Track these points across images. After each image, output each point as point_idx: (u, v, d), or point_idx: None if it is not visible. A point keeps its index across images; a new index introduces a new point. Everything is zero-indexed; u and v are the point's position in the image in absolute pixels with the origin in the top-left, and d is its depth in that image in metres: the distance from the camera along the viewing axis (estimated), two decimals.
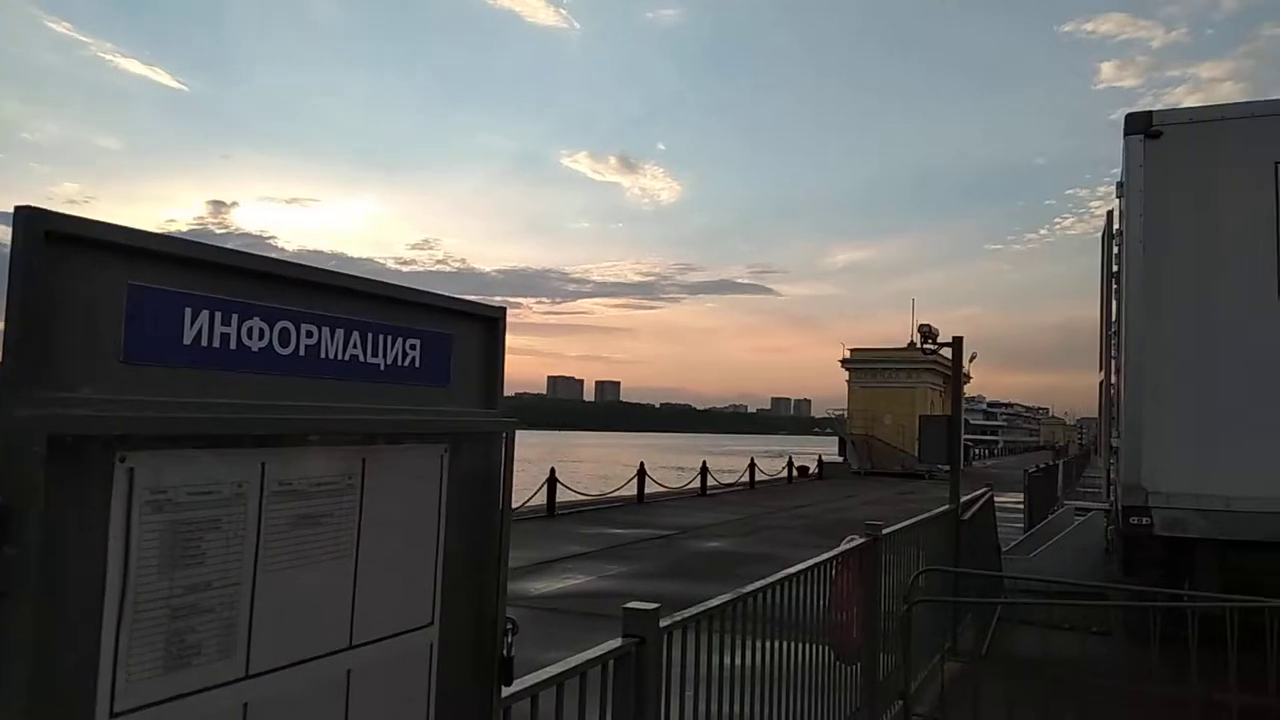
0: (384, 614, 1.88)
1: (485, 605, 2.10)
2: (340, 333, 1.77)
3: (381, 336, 1.87)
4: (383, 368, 1.88)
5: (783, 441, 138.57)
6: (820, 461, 41.18)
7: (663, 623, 3.02)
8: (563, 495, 20.51)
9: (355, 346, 1.81)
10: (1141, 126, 7.10)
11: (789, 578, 4.34)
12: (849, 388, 49.78)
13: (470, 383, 2.10)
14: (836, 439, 50.27)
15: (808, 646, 4.58)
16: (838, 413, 51.64)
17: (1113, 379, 7.90)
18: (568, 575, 12.04)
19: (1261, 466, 6.72)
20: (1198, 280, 6.99)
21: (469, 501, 2.06)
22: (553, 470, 19.88)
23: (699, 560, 13.73)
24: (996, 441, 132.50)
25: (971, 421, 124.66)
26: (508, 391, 2.27)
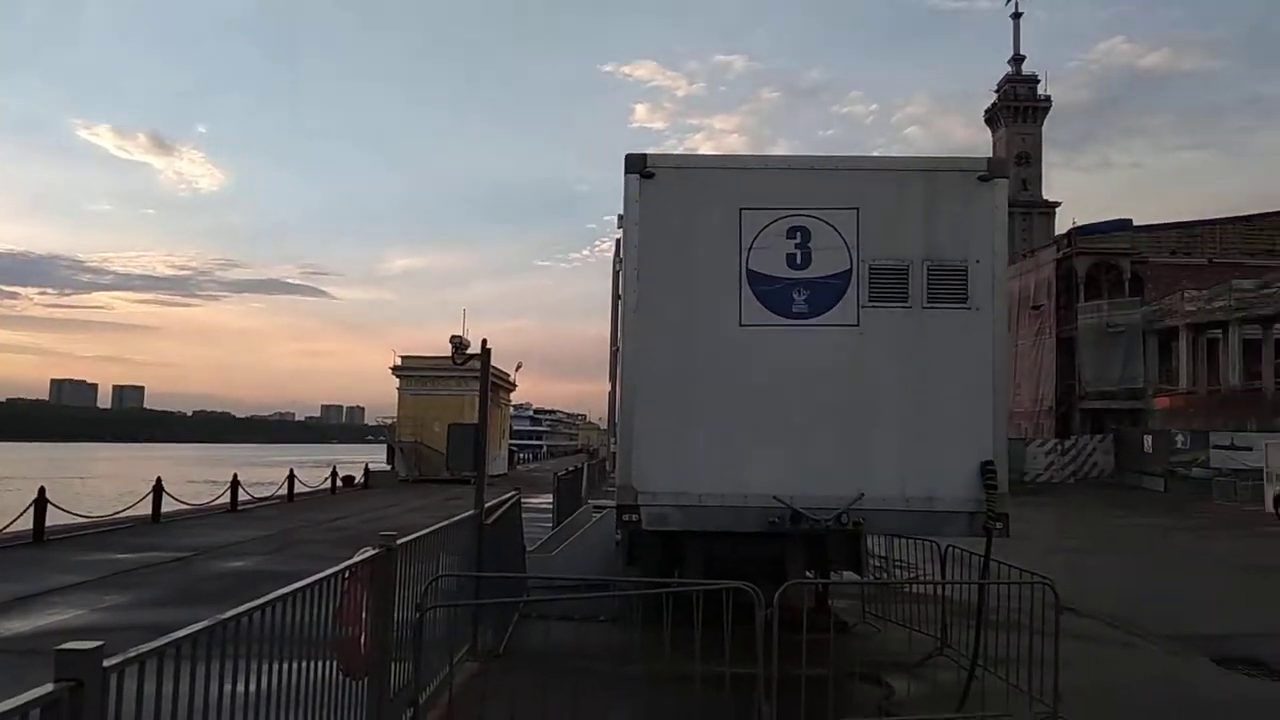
0: None
1: None
2: None
3: None
4: None
5: (334, 450, 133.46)
6: (366, 470, 40.39)
7: (110, 660, 2.71)
8: (58, 518, 17.78)
9: None
10: (638, 167, 8.00)
11: (285, 596, 4.17)
12: (399, 395, 49.55)
13: None
14: (386, 447, 49.78)
15: (310, 666, 4.43)
16: (388, 420, 51.14)
17: (616, 390, 8.76)
18: (54, 610, 10.46)
19: (724, 468, 7.88)
20: (680, 306, 8.03)
21: None
22: (42, 490, 17.13)
23: (216, 583, 12.68)
24: (541, 446, 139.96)
25: (518, 428, 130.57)
26: None
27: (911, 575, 10.13)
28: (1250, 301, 48.90)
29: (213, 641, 3.41)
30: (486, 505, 8.73)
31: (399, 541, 5.90)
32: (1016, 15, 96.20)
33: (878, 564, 11.05)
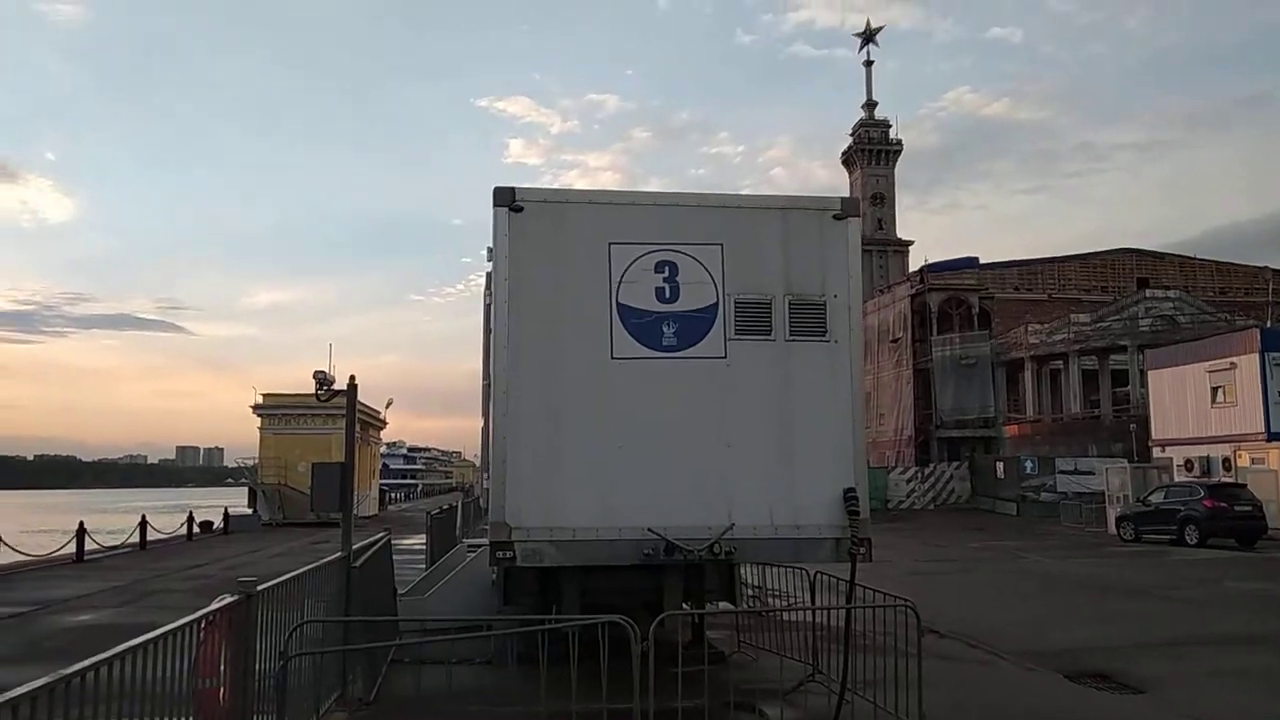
0: None
1: None
2: None
3: None
4: None
5: (190, 494, 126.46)
6: (226, 515, 38.48)
7: None
8: None
9: None
10: (506, 200, 8.01)
11: (136, 648, 3.93)
12: (261, 435, 47.53)
13: None
14: (247, 490, 47.67)
15: None
16: (249, 462, 49.01)
17: (488, 426, 8.68)
18: None
19: (598, 501, 7.87)
20: (551, 339, 8.04)
21: None
22: None
23: (61, 639, 11.80)
24: (416, 485, 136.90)
25: (391, 466, 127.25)
26: None
27: (786, 603, 10.33)
28: (1087, 335, 52.63)
29: (54, 700, 3.19)
30: (355, 547, 8.47)
31: (259, 588, 5.66)
32: (868, 64, 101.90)
33: (752, 593, 11.23)
